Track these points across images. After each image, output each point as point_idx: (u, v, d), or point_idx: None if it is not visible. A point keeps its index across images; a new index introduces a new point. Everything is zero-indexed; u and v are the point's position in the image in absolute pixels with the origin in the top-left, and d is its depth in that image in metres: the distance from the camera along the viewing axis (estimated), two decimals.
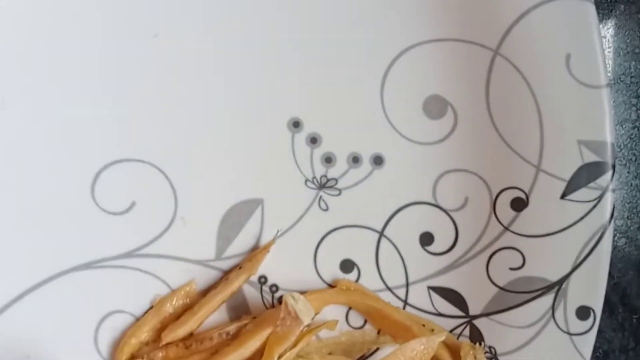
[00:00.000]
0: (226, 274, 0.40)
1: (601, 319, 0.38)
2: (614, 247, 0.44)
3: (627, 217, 0.46)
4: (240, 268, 0.40)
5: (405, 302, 0.40)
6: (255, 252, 0.39)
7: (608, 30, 0.45)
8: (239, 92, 0.39)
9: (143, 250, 0.40)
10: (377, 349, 0.40)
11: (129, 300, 0.40)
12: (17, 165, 0.39)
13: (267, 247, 0.39)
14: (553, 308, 0.39)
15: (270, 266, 0.41)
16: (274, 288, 0.41)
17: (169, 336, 0.38)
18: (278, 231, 0.39)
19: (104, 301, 0.40)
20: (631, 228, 0.45)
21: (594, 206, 0.38)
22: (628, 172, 0.45)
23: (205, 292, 0.40)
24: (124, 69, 0.39)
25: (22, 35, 0.38)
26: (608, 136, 0.37)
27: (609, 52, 0.45)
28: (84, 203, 0.39)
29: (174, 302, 0.39)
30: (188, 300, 0.39)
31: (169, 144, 0.40)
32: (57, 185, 0.39)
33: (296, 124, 0.40)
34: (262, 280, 0.41)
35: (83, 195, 0.39)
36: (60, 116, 0.39)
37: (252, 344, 0.37)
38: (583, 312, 0.38)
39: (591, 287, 0.38)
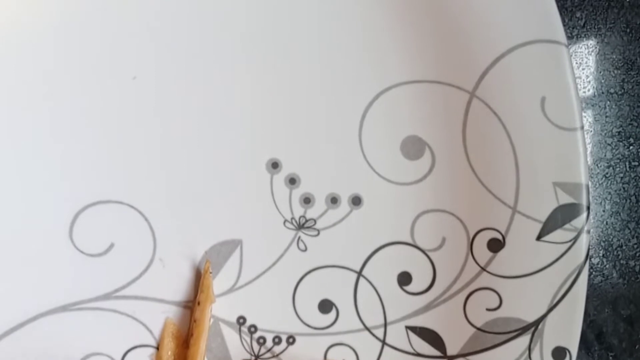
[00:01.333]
0: (192, 317, 0.40)
1: (578, 357, 0.38)
2: (590, 285, 0.44)
3: (603, 255, 0.46)
4: (199, 304, 0.40)
5: (384, 342, 0.40)
6: (201, 281, 0.39)
7: (583, 70, 0.46)
8: (218, 133, 0.40)
9: (121, 292, 0.40)
10: None
11: (108, 343, 0.40)
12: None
13: (207, 271, 0.39)
14: (529, 349, 0.39)
15: (248, 307, 0.41)
16: (253, 329, 0.41)
17: None
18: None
19: (82, 343, 0.40)
20: (607, 266, 0.46)
21: (570, 247, 0.39)
22: (603, 211, 0.46)
23: (186, 341, 0.40)
24: (103, 110, 0.39)
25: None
26: (583, 178, 0.38)
27: (584, 92, 0.46)
28: (61, 244, 0.39)
29: (168, 352, 0.39)
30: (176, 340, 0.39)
31: (148, 185, 0.40)
32: (34, 226, 0.39)
33: (275, 165, 0.40)
34: (241, 321, 0.41)
35: (61, 237, 0.39)
36: (39, 156, 0.39)
37: None
38: (559, 353, 0.39)
39: (567, 327, 0.39)
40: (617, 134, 0.46)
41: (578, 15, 0.46)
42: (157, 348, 0.40)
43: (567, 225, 0.39)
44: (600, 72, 0.46)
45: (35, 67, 0.39)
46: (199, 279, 0.41)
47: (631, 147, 0.46)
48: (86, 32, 0.39)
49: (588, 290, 0.39)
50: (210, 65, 0.39)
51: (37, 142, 0.39)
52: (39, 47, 0.38)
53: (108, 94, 0.39)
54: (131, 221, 0.40)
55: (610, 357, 0.46)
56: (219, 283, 0.40)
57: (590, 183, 0.40)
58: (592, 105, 0.46)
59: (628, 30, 0.46)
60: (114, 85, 0.39)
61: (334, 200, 0.41)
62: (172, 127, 0.39)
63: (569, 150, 0.38)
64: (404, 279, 0.41)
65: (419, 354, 0.41)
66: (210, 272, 0.40)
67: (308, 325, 0.41)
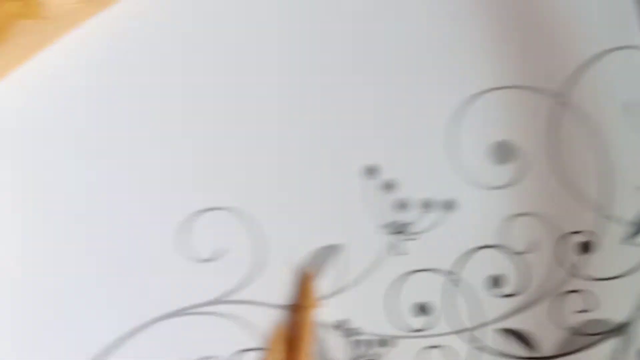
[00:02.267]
0: (297, 321, 0.41)
1: None
2: None
3: None
4: (303, 308, 0.41)
5: (479, 344, 0.42)
6: (304, 285, 0.41)
7: None
8: (321, 139, 0.41)
9: (231, 296, 0.41)
10: None
11: (218, 346, 0.41)
12: (101, 216, 0.39)
13: (309, 275, 0.40)
14: (621, 350, 0.40)
15: (349, 311, 0.42)
16: (353, 332, 0.42)
17: None
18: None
19: (194, 348, 0.41)
20: None
21: None
22: None
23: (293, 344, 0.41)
24: (208, 115, 0.41)
25: (112, 86, 0.40)
26: None
27: None
28: (170, 251, 0.40)
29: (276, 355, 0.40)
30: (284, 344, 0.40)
31: (253, 190, 0.41)
32: (142, 234, 0.40)
33: (371, 171, 0.42)
34: (341, 325, 0.42)
35: (169, 244, 0.40)
36: (145, 164, 0.40)
37: None
38: None
39: None
40: None
41: None
42: (266, 351, 0.41)
43: None
44: None
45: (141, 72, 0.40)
46: (303, 283, 0.42)
47: None
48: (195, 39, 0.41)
49: None
50: (307, 70, 0.41)
51: (146, 149, 0.40)
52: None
53: (216, 99, 0.41)
54: (239, 226, 0.41)
55: None
56: (320, 287, 0.42)
57: None
58: None
59: None
60: (223, 91, 0.41)
61: (427, 205, 0.42)
62: (279, 132, 0.41)
63: None
64: (497, 281, 0.43)
65: (514, 356, 0.42)
66: (313, 277, 0.41)
67: (407, 328, 0.42)
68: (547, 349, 0.42)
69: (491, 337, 0.43)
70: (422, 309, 0.43)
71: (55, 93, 0.40)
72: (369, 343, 0.42)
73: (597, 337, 0.42)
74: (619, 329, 0.41)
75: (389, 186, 0.43)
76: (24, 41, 0.37)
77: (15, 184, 0.39)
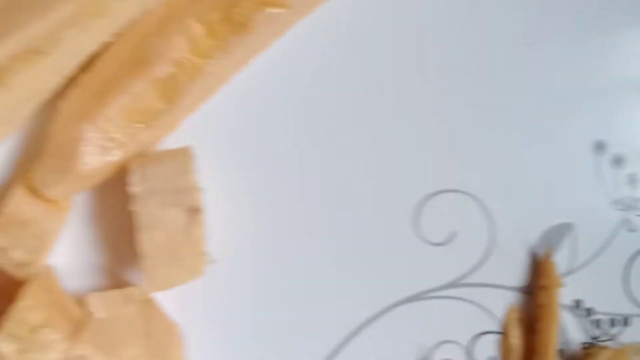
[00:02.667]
0: (535, 302, 0.40)
1: None
2: None
3: None
4: (543, 289, 0.40)
5: None
6: (542, 266, 0.40)
7: None
8: (544, 118, 0.40)
9: (465, 280, 0.40)
10: None
11: (455, 330, 0.40)
12: (336, 203, 0.39)
13: (548, 255, 0.39)
14: None
15: (583, 290, 0.41)
16: (589, 312, 0.41)
17: None
18: None
19: (432, 331, 0.40)
20: None
21: None
22: None
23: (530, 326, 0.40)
24: (442, 103, 0.40)
25: (330, 77, 0.39)
26: None
27: None
28: (407, 236, 0.40)
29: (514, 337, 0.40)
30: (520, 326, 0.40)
31: (484, 173, 0.40)
32: (381, 218, 0.40)
33: (600, 146, 0.41)
34: (577, 304, 0.41)
35: (406, 228, 0.40)
36: (381, 154, 0.40)
37: None
38: None
39: None
40: None
41: None
42: (502, 334, 0.40)
43: None
44: None
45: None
46: (535, 264, 0.41)
47: None
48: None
49: None
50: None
51: (382, 136, 0.40)
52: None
53: (451, 86, 0.40)
54: (470, 209, 0.40)
55: None
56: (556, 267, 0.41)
57: None
58: None
59: None
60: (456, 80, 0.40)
61: None
62: (503, 114, 0.40)
63: None
64: None
65: None
66: (551, 257, 0.40)
67: None
68: None
69: None
70: None
71: (283, 84, 0.39)
72: (603, 322, 0.41)
73: None
74: None
75: (618, 161, 0.41)
76: (266, 30, 0.37)
77: (247, 177, 0.39)
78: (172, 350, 0.36)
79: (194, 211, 0.35)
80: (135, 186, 0.35)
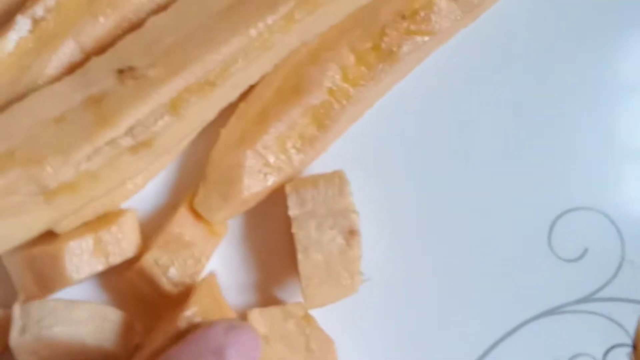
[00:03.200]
0: None
1: None
2: None
3: None
4: None
5: None
6: None
7: None
8: None
9: (597, 295, 0.41)
10: None
11: (588, 343, 0.42)
12: (479, 224, 0.41)
13: None
14: None
15: None
16: None
17: None
18: None
19: (566, 345, 0.41)
20: None
21: None
22: None
23: None
24: (565, 120, 0.41)
25: (476, 98, 0.41)
26: None
27: None
28: (541, 251, 0.41)
29: None
30: None
31: (615, 191, 0.41)
32: (516, 235, 0.41)
33: None
34: None
35: (541, 244, 0.41)
36: (516, 174, 0.41)
37: None
38: None
39: None
40: None
41: None
42: (634, 347, 0.42)
43: None
44: None
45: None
46: None
47: None
48: None
49: None
50: None
51: (517, 156, 0.41)
52: None
53: (582, 108, 0.41)
54: (601, 226, 0.42)
55: None
56: None
57: None
58: None
59: None
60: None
61: None
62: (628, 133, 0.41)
63: None
64: None
65: None
66: None
67: None
68: None
69: None
70: None
71: (431, 106, 0.41)
72: None
73: None
74: None
75: None
76: (412, 57, 0.39)
77: (386, 198, 0.41)
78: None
79: (351, 233, 0.37)
80: (294, 210, 0.37)
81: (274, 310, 0.37)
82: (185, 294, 0.36)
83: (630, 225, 0.42)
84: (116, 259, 0.36)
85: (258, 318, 0.37)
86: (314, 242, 0.36)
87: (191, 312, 0.34)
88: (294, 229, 0.36)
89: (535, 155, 0.41)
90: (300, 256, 0.36)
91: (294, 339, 0.37)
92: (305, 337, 0.37)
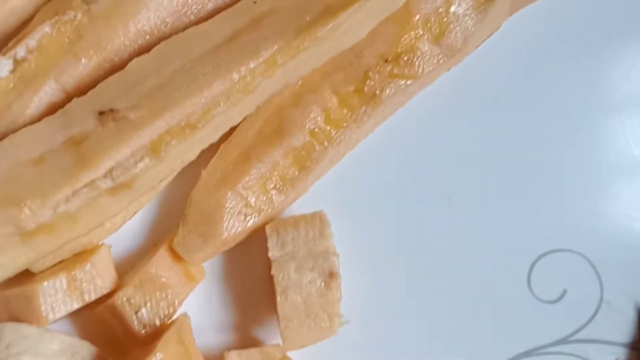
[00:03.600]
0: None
1: None
2: None
3: None
4: None
5: None
6: None
7: None
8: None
9: (575, 336, 0.42)
10: None
11: None
12: (459, 266, 0.41)
13: None
14: None
15: None
16: None
17: None
18: None
19: None
20: None
21: None
22: None
23: None
24: (544, 163, 0.42)
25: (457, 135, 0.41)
26: None
27: None
28: (522, 293, 0.41)
29: None
30: None
31: (592, 233, 0.42)
32: (497, 277, 0.41)
33: None
34: None
35: (521, 286, 0.41)
36: (498, 211, 0.41)
37: None
38: None
39: None
40: None
41: None
42: None
43: None
44: None
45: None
46: None
47: None
48: None
49: None
50: None
51: (495, 200, 0.41)
52: None
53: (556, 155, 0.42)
54: (580, 268, 0.42)
55: None
56: None
57: None
58: None
59: None
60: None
61: None
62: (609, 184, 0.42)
63: None
64: None
65: None
66: None
67: None
68: None
69: None
70: None
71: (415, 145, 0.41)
72: None
73: None
74: None
75: None
76: (394, 100, 0.39)
77: (370, 231, 0.41)
78: None
79: (331, 276, 0.37)
80: (274, 251, 0.37)
81: (252, 352, 0.37)
82: (154, 336, 0.36)
83: (609, 267, 0.42)
84: (91, 296, 0.36)
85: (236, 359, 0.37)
86: (293, 283, 0.36)
87: (157, 358, 0.34)
88: (273, 271, 0.36)
89: (515, 198, 0.42)
90: (279, 298, 0.36)
91: None
92: None
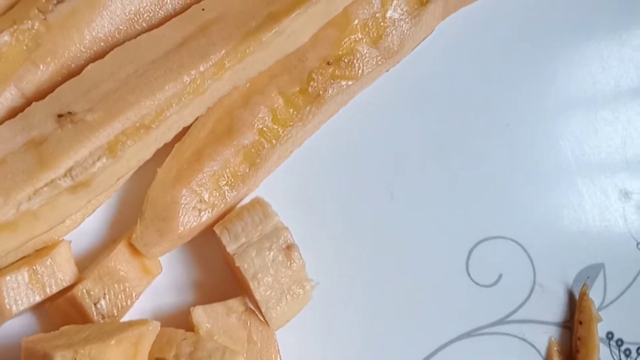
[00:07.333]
0: (574, 335, 0.45)
1: None
2: None
3: None
4: (581, 323, 0.45)
5: None
6: (579, 302, 0.45)
7: None
8: (574, 170, 0.46)
9: (511, 317, 0.45)
10: None
11: None
12: (402, 249, 0.44)
13: (584, 293, 0.45)
14: None
15: (615, 322, 0.46)
16: (620, 342, 0.46)
17: None
18: None
19: None
20: None
21: None
22: None
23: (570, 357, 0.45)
24: (479, 157, 0.45)
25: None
26: None
27: None
28: (460, 277, 0.45)
29: None
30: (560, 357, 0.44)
31: (525, 220, 0.45)
32: (436, 263, 0.45)
33: (626, 194, 0.46)
34: (610, 336, 0.46)
35: (460, 271, 0.45)
36: (437, 202, 0.45)
37: None
38: None
39: None
40: None
41: None
42: None
43: None
44: None
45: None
46: (572, 301, 0.46)
47: None
48: None
49: None
50: None
51: (436, 191, 0.45)
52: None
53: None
54: (514, 253, 0.45)
55: None
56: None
57: None
58: None
59: None
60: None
61: None
62: (545, 168, 0.46)
63: None
64: None
65: None
66: (587, 294, 0.45)
67: None
68: None
69: None
70: None
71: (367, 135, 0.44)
72: (633, 351, 0.46)
73: None
74: None
75: None
76: (337, 100, 0.42)
77: (316, 223, 0.44)
78: (270, 355, 0.40)
79: (289, 248, 0.39)
80: (231, 246, 0.39)
81: (216, 307, 0.39)
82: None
83: (540, 252, 0.45)
84: (52, 289, 0.38)
85: (201, 314, 0.39)
86: (259, 267, 0.39)
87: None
88: (237, 263, 0.39)
89: (453, 190, 0.45)
90: (252, 284, 0.39)
91: (236, 332, 0.39)
92: (247, 330, 0.39)
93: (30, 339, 0.34)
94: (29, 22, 0.37)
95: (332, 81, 0.41)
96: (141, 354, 0.34)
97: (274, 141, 0.40)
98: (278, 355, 0.40)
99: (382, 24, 0.41)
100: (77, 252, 0.40)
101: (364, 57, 0.41)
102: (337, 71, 0.40)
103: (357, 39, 0.41)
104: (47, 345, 0.33)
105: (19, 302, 0.36)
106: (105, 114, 0.36)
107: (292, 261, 0.39)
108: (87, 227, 0.40)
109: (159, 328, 0.35)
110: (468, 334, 0.45)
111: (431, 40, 0.45)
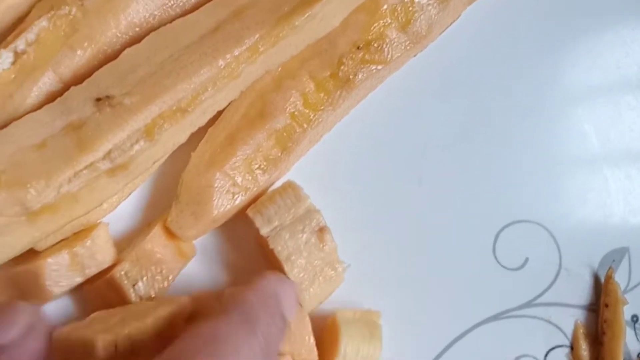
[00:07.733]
0: (601, 318, 0.46)
1: None
2: None
3: None
4: (607, 306, 0.46)
5: None
6: (605, 285, 0.45)
7: None
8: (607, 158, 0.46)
9: (538, 300, 0.46)
10: None
11: (531, 345, 0.46)
12: (430, 233, 0.45)
13: (610, 276, 0.45)
14: None
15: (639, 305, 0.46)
16: None
17: None
18: None
19: (511, 347, 0.45)
20: None
21: None
22: None
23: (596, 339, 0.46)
24: (505, 141, 0.46)
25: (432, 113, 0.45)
26: None
27: None
28: (487, 261, 0.45)
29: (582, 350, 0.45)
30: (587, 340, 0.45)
31: (552, 205, 0.46)
32: (464, 247, 0.45)
33: None
34: (635, 319, 0.46)
35: (487, 255, 0.45)
36: (464, 187, 0.45)
37: None
38: None
39: None
40: None
41: None
42: (572, 347, 0.46)
43: None
44: None
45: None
46: (597, 284, 0.47)
47: None
48: None
49: None
50: None
51: (466, 175, 0.45)
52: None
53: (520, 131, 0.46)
54: (540, 237, 0.46)
55: None
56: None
57: None
58: None
59: None
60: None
61: None
62: (577, 155, 0.46)
63: None
64: None
65: None
66: (613, 277, 0.46)
67: None
68: None
69: None
70: None
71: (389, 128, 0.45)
72: None
73: None
74: None
75: None
76: (366, 84, 0.42)
77: (346, 207, 0.45)
78: (302, 337, 0.40)
79: (321, 230, 0.40)
80: (264, 229, 0.40)
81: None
82: None
83: (566, 236, 0.46)
84: (92, 270, 0.38)
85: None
86: (293, 250, 0.39)
87: None
88: (271, 246, 0.39)
89: (481, 175, 0.46)
90: (286, 267, 0.39)
91: None
92: None
93: (60, 331, 0.34)
94: (66, 7, 0.37)
95: (361, 65, 0.41)
96: (176, 330, 0.35)
97: (305, 125, 0.41)
98: (311, 337, 0.40)
99: (410, 9, 0.42)
100: (113, 235, 0.41)
101: (392, 42, 0.41)
102: (366, 55, 0.41)
103: (386, 23, 0.41)
104: (85, 332, 0.33)
105: (60, 283, 0.37)
106: (142, 98, 0.36)
107: (324, 243, 0.39)
108: (122, 210, 0.41)
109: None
110: (495, 317, 0.45)
111: (458, 26, 0.45)
